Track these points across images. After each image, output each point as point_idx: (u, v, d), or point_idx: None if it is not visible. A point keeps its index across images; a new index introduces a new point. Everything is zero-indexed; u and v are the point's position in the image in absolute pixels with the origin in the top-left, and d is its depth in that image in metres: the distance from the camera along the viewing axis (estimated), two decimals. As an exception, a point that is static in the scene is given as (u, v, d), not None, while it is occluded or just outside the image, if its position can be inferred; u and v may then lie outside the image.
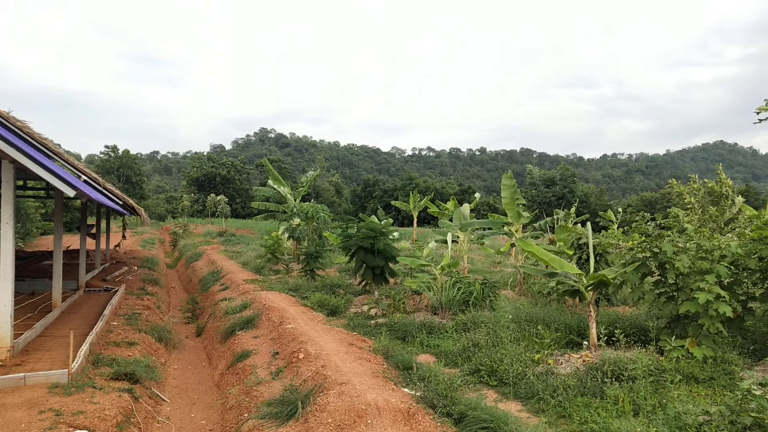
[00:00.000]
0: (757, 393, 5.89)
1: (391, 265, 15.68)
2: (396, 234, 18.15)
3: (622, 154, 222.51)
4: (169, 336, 12.18)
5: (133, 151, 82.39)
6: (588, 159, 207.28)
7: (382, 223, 18.09)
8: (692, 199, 13.59)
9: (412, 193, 34.75)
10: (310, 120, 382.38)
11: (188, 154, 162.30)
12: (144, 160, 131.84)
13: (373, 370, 8.25)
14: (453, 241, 18.66)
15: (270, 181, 25.41)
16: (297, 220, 21.56)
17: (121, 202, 16.96)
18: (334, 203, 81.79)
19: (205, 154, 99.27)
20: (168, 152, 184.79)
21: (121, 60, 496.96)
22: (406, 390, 7.51)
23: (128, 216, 24.90)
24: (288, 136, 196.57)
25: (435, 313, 12.43)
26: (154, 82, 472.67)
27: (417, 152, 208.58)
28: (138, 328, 11.66)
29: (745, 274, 9.41)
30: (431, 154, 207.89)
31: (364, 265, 15.16)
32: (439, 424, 6.52)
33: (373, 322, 12.09)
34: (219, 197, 55.93)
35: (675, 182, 15.45)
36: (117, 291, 15.17)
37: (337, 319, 12.68)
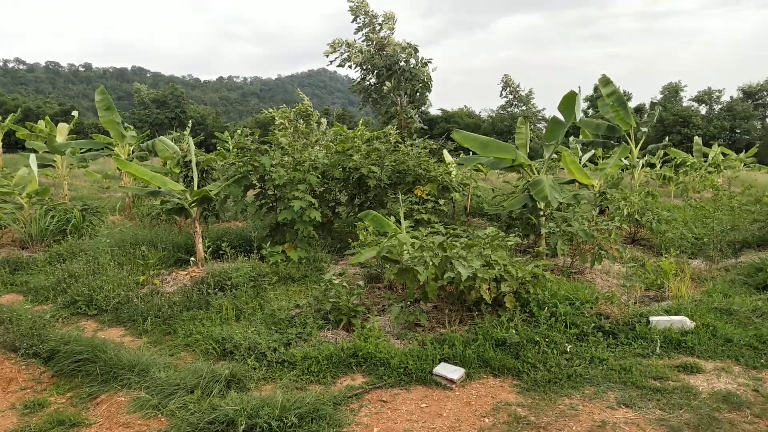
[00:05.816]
0: (336, 282, 6.80)
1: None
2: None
3: (238, 77, 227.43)
4: None
5: None
6: (205, 81, 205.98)
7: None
8: (283, 121, 15.48)
9: (-6, 112, 28.79)
10: None
11: None
12: None
13: (-70, 325, 6.73)
14: (50, 166, 16.44)
15: None
16: None
17: None
18: None
19: None
20: None
21: None
22: (-22, 339, 6.36)
23: None
24: None
25: (24, 248, 10.77)
26: None
27: (2, 64, 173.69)
28: None
29: (334, 183, 10.71)
30: (22, 67, 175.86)
31: None
32: (23, 366, 5.78)
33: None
34: None
35: (270, 110, 17.74)
36: None
37: None
